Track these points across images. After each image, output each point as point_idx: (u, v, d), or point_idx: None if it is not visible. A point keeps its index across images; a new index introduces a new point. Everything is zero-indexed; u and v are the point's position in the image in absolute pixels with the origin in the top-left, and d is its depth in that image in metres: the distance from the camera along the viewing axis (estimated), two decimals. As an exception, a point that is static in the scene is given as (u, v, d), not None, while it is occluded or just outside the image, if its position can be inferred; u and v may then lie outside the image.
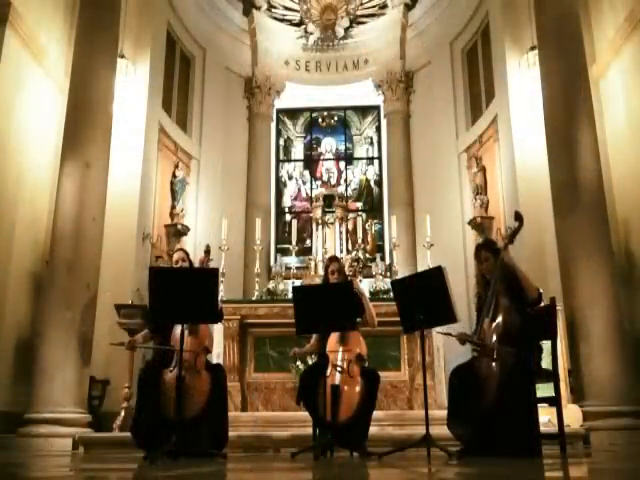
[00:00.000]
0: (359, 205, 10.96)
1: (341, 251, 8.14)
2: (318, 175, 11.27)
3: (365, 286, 6.82)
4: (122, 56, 7.64)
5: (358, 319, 4.32)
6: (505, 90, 8.11)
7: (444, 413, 3.86)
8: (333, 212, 8.45)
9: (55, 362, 5.49)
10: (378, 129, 11.23)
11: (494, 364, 3.61)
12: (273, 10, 11.00)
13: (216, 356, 6.07)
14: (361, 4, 10.76)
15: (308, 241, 9.83)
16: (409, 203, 10.19)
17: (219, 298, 4.33)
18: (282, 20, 11.05)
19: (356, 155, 11.36)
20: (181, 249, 4.54)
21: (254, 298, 7.38)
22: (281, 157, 11.34)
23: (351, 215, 9.58)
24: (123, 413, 5.86)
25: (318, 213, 8.48)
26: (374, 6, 10.96)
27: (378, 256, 9.39)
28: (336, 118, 11.43)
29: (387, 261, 9.33)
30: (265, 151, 10.85)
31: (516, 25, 8.13)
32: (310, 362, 5.55)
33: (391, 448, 3.92)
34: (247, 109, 10.84)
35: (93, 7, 6.48)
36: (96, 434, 5.50)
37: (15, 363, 6.40)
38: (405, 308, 4.04)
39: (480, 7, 9.22)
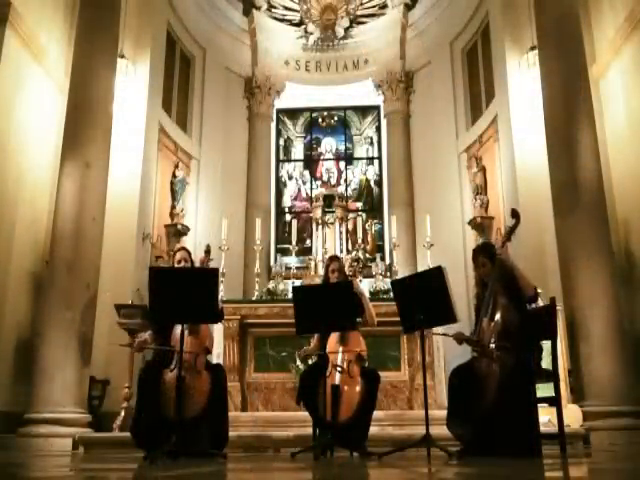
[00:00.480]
0: (359, 205, 10.96)
1: (341, 251, 8.13)
2: (318, 175, 11.27)
3: (365, 286, 6.83)
4: (122, 56, 7.64)
5: (358, 319, 4.32)
6: (505, 90, 8.11)
7: (444, 413, 3.86)
8: (333, 212, 8.45)
9: (55, 362, 5.49)
10: (378, 129, 11.23)
11: (494, 364, 3.61)
12: (273, 10, 11.00)
13: (216, 356, 6.06)
14: (361, 4, 10.76)
15: (308, 241, 9.83)
16: (409, 203, 10.19)
17: (219, 298, 4.32)
18: (282, 20, 11.05)
19: (356, 155, 11.36)
20: (183, 248, 4.50)
21: (254, 298, 7.38)
22: (281, 157, 11.34)
23: (351, 215, 9.58)
24: (123, 413, 5.86)
25: (318, 213, 8.48)
26: (374, 6, 10.96)
27: (378, 256, 9.40)
28: (336, 118, 11.42)
29: (387, 261, 9.33)
30: (265, 151, 10.85)
31: (516, 25, 8.13)
32: (310, 362, 5.55)
33: (391, 448, 3.92)
34: (247, 109, 10.84)
35: (93, 7, 6.48)
36: (96, 434, 5.50)
37: (15, 363, 6.40)
38: (405, 308, 4.04)
39: (480, 7, 9.22)
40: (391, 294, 5.00)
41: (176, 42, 9.53)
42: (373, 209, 10.89)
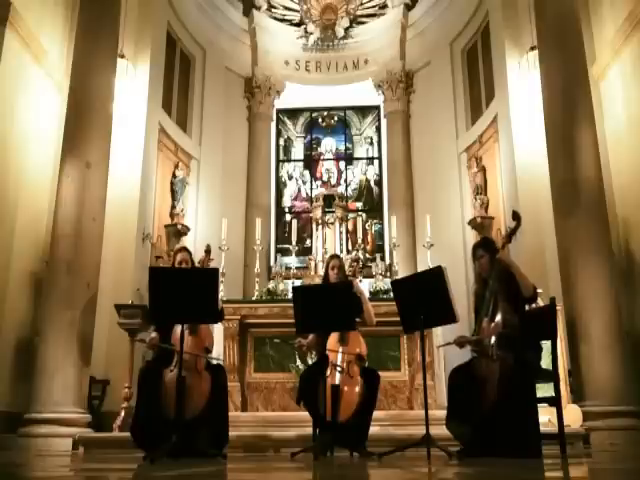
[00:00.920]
0: (359, 205, 10.95)
1: (341, 251, 8.13)
2: (318, 175, 11.27)
3: (365, 286, 6.83)
4: (122, 56, 7.63)
5: (357, 319, 4.32)
6: (505, 90, 8.10)
7: (444, 413, 3.86)
8: (333, 212, 8.44)
9: (55, 362, 5.49)
10: (378, 129, 11.23)
11: (494, 364, 3.62)
12: (273, 10, 10.99)
13: (216, 356, 6.06)
14: (361, 4, 10.76)
15: (308, 241, 9.83)
16: (409, 203, 10.19)
17: (219, 298, 4.32)
18: (282, 20, 11.05)
19: (356, 155, 11.36)
20: (184, 249, 4.49)
21: (254, 298, 7.38)
22: (281, 157, 11.33)
23: (351, 215, 9.58)
24: (123, 413, 5.85)
25: (318, 213, 8.47)
26: (374, 6, 10.95)
27: (378, 256, 9.38)
28: (336, 118, 11.41)
29: (387, 261, 9.33)
30: (265, 151, 10.85)
31: (516, 25, 8.13)
32: (310, 362, 5.55)
33: (391, 448, 3.92)
34: (247, 109, 10.84)
35: (93, 7, 6.47)
36: (96, 434, 5.50)
37: (15, 363, 6.40)
38: (405, 308, 4.04)
39: (480, 7, 9.22)
40: (391, 294, 4.99)
41: (176, 42, 9.53)
42: (373, 209, 10.88)
